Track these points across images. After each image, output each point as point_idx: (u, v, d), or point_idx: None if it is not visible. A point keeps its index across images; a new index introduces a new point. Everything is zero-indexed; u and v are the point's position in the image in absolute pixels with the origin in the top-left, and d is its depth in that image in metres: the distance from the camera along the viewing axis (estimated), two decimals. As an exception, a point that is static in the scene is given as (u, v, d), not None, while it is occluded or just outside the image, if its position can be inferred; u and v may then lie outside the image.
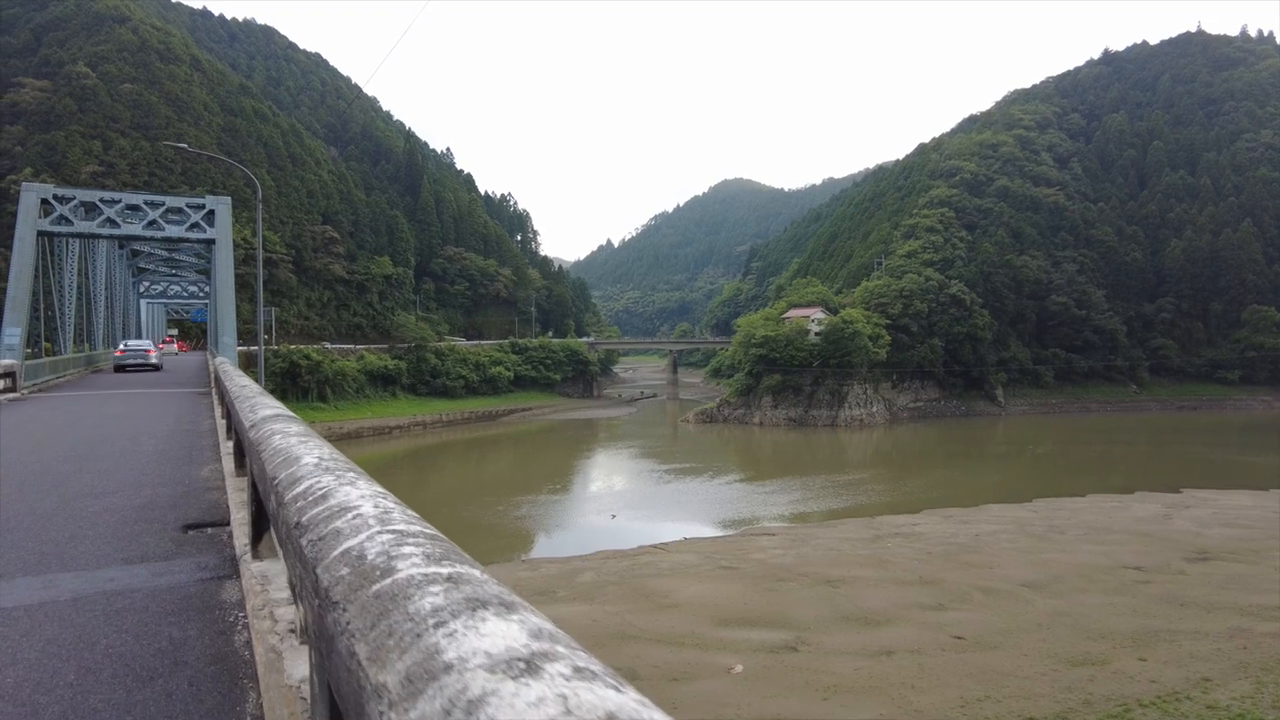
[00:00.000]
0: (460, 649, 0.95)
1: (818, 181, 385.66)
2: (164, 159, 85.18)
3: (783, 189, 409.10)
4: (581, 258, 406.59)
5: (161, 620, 3.68)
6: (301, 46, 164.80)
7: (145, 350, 36.34)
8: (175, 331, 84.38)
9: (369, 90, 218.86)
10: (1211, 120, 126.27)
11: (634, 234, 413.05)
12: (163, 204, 33.89)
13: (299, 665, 2.65)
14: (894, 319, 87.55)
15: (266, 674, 2.74)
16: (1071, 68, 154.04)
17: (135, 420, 14.31)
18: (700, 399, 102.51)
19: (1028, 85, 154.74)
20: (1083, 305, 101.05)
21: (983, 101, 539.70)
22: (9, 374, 21.90)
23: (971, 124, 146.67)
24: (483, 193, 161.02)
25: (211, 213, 34.03)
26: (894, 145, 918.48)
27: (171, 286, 68.59)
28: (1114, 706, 14.76)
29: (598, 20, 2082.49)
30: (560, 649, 0.95)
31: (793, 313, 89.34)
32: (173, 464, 8.93)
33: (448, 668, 0.92)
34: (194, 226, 33.85)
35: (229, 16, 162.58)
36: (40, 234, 31.03)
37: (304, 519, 1.95)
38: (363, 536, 1.59)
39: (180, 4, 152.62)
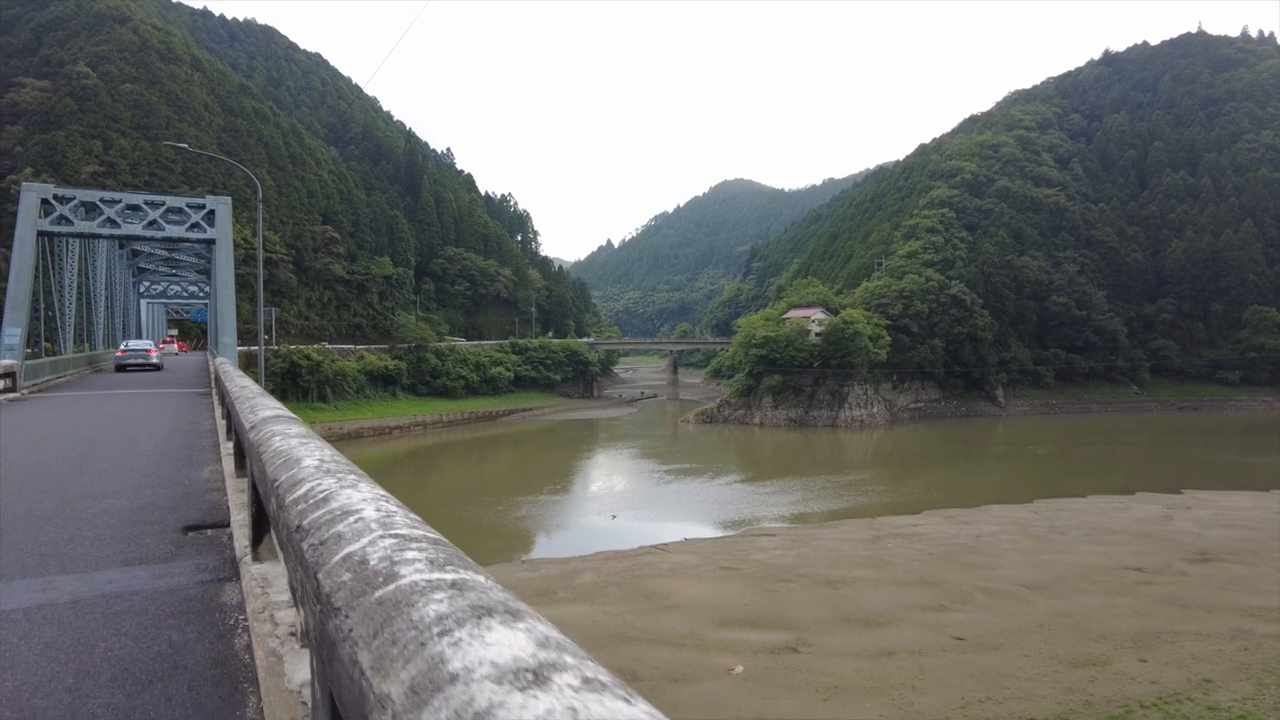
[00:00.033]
0: (466, 659, 0.93)
1: (818, 182, 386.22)
2: (164, 159, 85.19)
3: (783, 189, 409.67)
4: (582, 258, 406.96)
5: (161, 623, 3.65)
6: (302, 46, 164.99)
7: (146, 350, 36.69)
8: (175, 331, 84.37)
9: (369, 90, 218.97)
10: (1212, 121, 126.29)
11: (634, 234, 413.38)
12: (163, 204, 33.87)
13: (300, 669, 2.63)
14: (894, 319, 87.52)
15: (267, 678, 2.72)
16: (1072, 68, 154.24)
17: (135, 421, 14.28)
18: (700, 399, 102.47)
19: (1028, 86, 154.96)
20: (1083, 306, 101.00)
21: (983, 102, 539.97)
22: (9, 374, 21.88)
23: (972, 124, 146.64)
24: (483, 193, 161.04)
25: (212, 213, 34.02)
26: (894, 146, 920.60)
27: (172, 286, 68.61)
28: (1115, 708, 14.74)
29: (598, 21, 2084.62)
30: (568, 659, 0.92)
31: (793, 313, 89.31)
32: (173, 465, 8.90)
33: (453, 678, 0.90)
34: (194, 226, 33.84)
35: (229, 16, 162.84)
36: (40, 234, 31.03)
37: (305, 523, 1.93)
38: (365, 541, 1.56)
39: (181, 4, 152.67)
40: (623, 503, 42.61)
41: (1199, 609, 20.64)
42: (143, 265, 57.12)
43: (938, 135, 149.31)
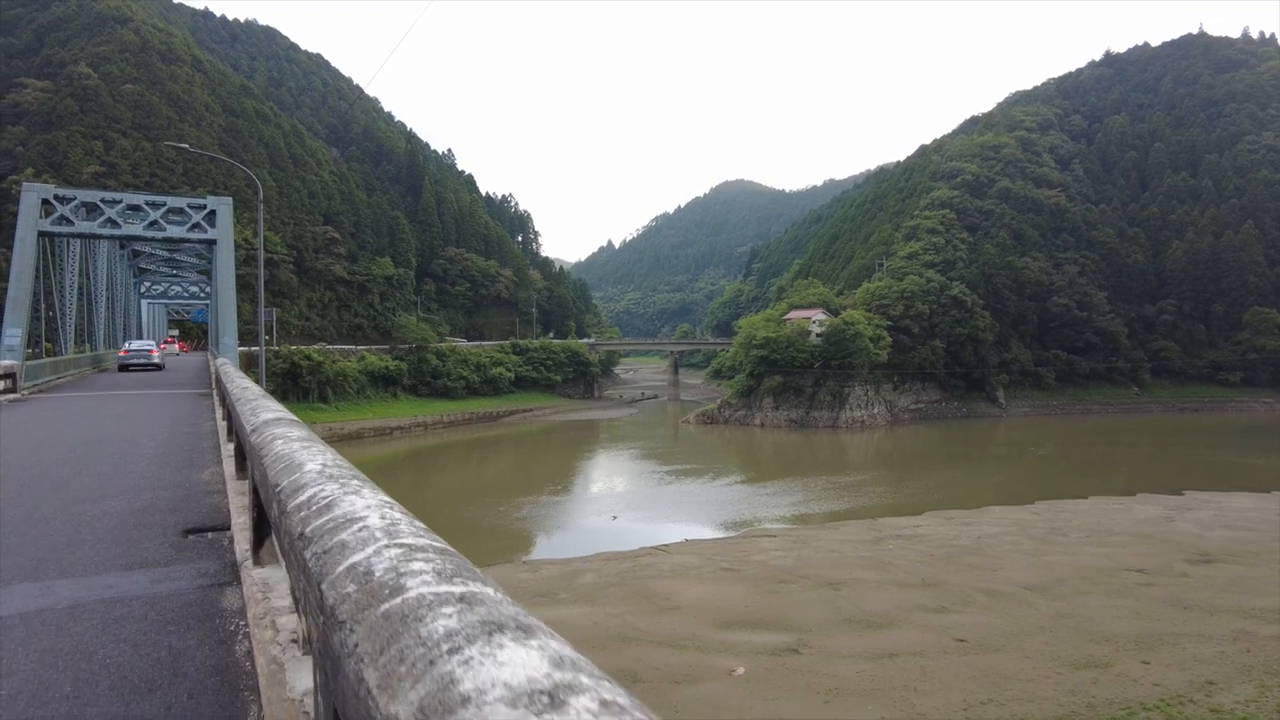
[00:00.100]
0: (478, 679, 0.89)
1: (818, 183, 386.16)
2: (165, 159, 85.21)
3: (783, 190, 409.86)
4: (582, 259, 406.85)
5: (161, 629, 3.60)
6: (303, 47, 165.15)
7: (148, 350, 37.09)
8: (176, 332, 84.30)
9: (370, 91, 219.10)
10: (1213, 122, 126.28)
11: (635, 235, 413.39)
12: (164, 204, 33.85)
13: (302, 677, 2.59)
14: (895, 320, 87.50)
15: (268, 686, 2.68)
16: (1073, 69, 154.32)
17: (135, 422, 14.25)
18: (701, 400, 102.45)
19: (1029, 87, 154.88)
20: (1084, 307, 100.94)
21: (984, 103, 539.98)
22: (9, 375, 21.85)
23: (973, 125, 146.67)
24: (484, 194, 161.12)
25: (213, 213, 34.01)
26: (895, 146, 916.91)
27: (173, 287, 68.60)
28: (1117, 710, 14.72)
29: (599, 21, 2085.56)
30: (584, 679, 0.88)
31: (794, 314, 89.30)
32: (173, 467, 8.87)
33: (465, 700, 0.86)
34: (195, 227, 33.83)
35: (231, 17, 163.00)
36: (41, 234, 31.02)
37: (308, 530, 1.89)
38: (370, 550, 1.52)
39: (182, 5, 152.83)
40: (623, 503, 42.58)
41: (1201, 611, 20.62)
42: (144, 266, 57.13)
43: (938, 136, 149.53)
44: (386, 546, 1.52)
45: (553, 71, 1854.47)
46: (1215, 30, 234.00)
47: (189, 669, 3.12)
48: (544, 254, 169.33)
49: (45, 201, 30.90)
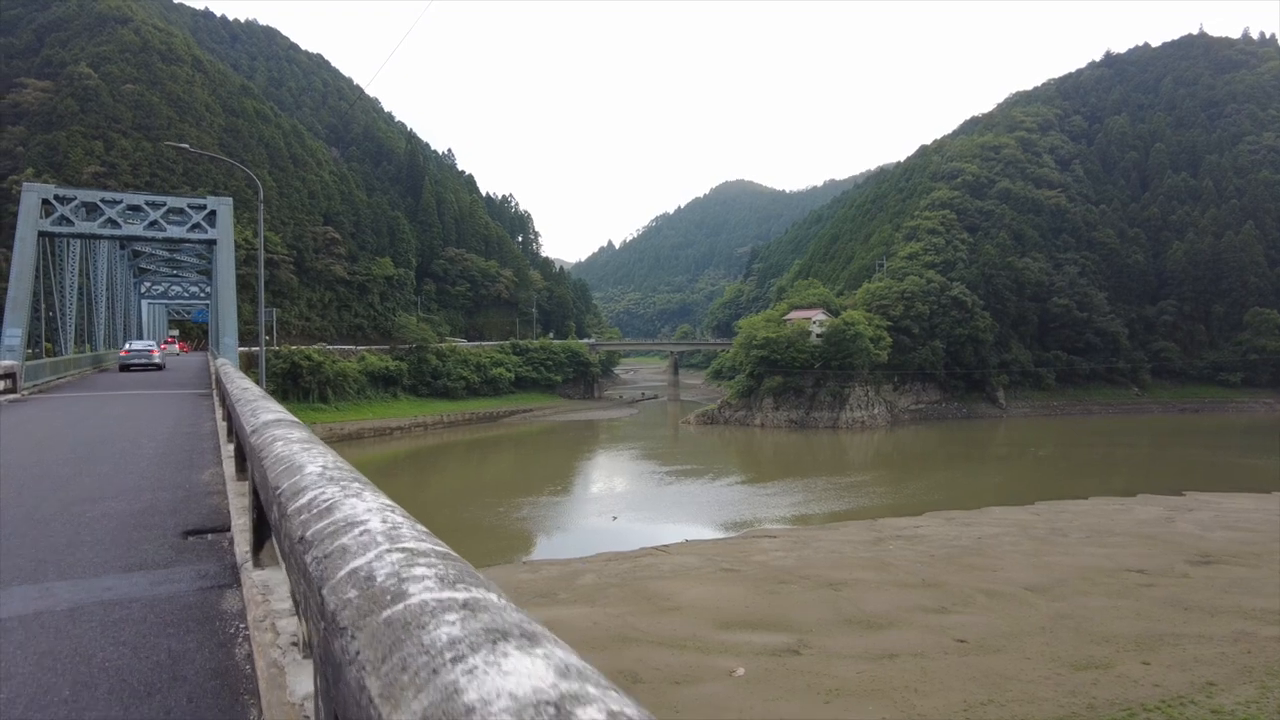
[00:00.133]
0: (482, 689, 0.87)
1: (819, 183, 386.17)
2: (166, 159, 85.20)
3: (784, 190, 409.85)
4: (583, 259, 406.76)
5: (160, 632, 3.59)
6: (303, 47, 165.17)
7: (150, 350, 37.40)
8: (176, 332, 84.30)
9: (371, 91, 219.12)
10: (1213, 122, 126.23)
11: (635, 235, 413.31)
12: (164, 204, 33.85)
13: (302, 681, 2.58)
14: (895, 321, 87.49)
15: (268, 690, 2.66)
16: (1073, 70, 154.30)
17: (136, 422, 14.24)
18: (701, 400, 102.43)
19: (1029, 87, 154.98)
20: (1084, 307, 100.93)
21: (984, 103, 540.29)
22: (9, 375, 21.83)
23: (973, 126, 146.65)
24: (484, 194, 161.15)
25: (213, 213, 34.01)
26: (895, 147, 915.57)
27: (173, 287, 68.60)
28: (1118, 711, 14.70)
29: (599, 22, 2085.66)
30: (591, 689, 0.86)
31: (794, 314, 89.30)
32: (173, 468, 8.85)
33: (469, 711, 0.84)
34: (195, 227, 33.83)
35: (231, 17, 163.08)
36: (41, 234, 31.01)
37: (308, 534, 1.88)
38: (371, 555, 1.51)
39: (182, 5, 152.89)
40: (623, 504, 42.56)
41: (1201, 611, 20.60)
42: (144, 266, 57.12)
43: (939, 137, 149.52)
44: (388, 551, 1.51)
45: (553, 72, 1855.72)
46: (1215, 31, 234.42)
47: (188, 672, 3.10)
48: (544, 254, 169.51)
49: (45, 201, 30.89)
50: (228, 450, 8.77)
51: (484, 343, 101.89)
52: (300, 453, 3.06)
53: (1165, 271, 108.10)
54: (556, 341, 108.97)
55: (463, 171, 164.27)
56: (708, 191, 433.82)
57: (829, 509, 41.28)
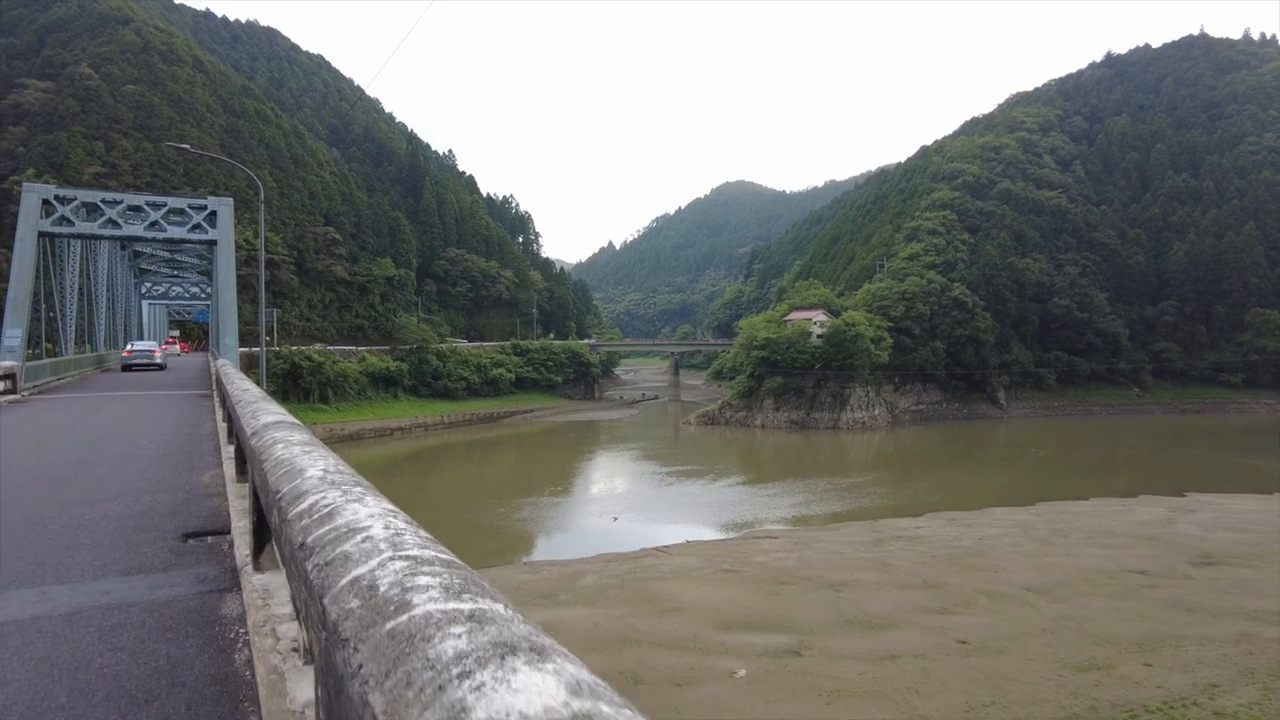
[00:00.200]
0: (491, 708, 0.83)
1: (819, 184, 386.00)
2: (166, 160, 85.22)
3: (784, 191, 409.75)
4: (583, 259, 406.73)
5: (159, 637, 3.55)
6: (304, 48, 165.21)
7: (151, 351, 37.85)
8: (177, 333, 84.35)
9: (371, 92, 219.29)
10: (1214, 123, 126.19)
11: (635, 236, 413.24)
12: (164, 205, 33.85)
13: (303, 688, 2.54)
14: (896, 321, 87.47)
15: (268, 697, 2.63)
16: (1074, 70, 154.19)
17: (136, 423, 14.21)
18: (702, 401, 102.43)
19: (1030, 88, 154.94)
20: (1085, 308, 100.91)
21: (985, 104, 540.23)
22: (9, 375, 21.82)
23: (973, 126, 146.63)
24: (485, 194, 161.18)
25: (213, 214, 34.00)
26: (896, 147, 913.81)
27: (173, 288, 68.63)
28: (1120, 712, 14.67)
29: (599, 22, 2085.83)
30: (604, 708, 0.82)
31: (795, 315, 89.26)
32: (173, 469, 8.82)
33: None
34: (196, 228, 33.83)
35: (232, 18, 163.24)
36: (41, 235, 31.02)
37: (309, 540, 1.85)
38: (374, 563, 1.47)
39: (183, 5, 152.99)
40: (624, 504, 42.53)
41: (1203, 613, 20.56)
42: (144, 266, 57.13)
43: (939, 137, 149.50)
44: (391, 559, 1.47)
45: (554, 73, 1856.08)
46: (1216, 31, 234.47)
47: (187, 678, 3.07)
48: (545, 255, 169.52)
49: (46, 202, 30.90)
50: (228, 452, 8.75)
51: (484, 343, 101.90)
52: (301, 456, 3.03)
53: (1166, 272, 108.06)
54: (557, 342, 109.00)
55: (463, 172, 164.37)
56: (708, 192, 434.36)
57: (829, 510, 41.25)
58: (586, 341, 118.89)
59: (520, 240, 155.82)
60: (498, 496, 44.17)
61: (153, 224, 33.10)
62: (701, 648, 18.08)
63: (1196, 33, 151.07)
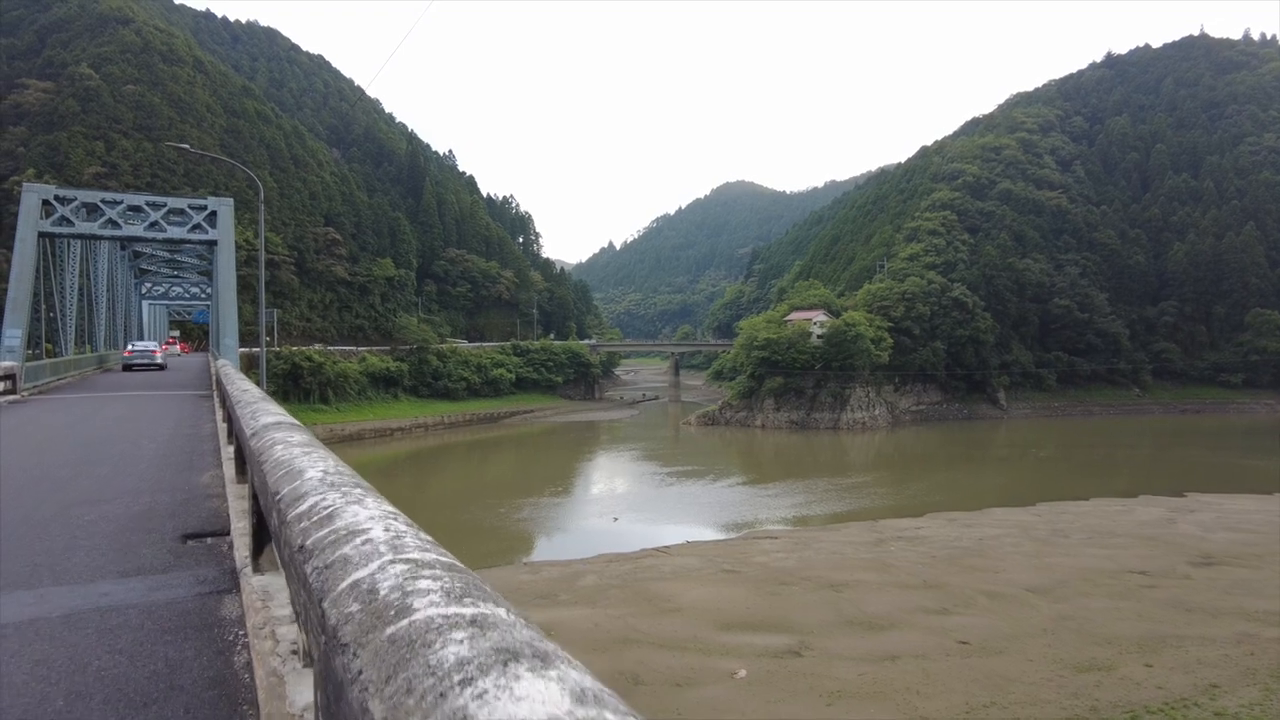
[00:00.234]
0: (494, 717, 0.81)
1: (819, 184, 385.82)
2: (166, 160, 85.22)
3: (784, 191, 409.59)
4: (583, 260, 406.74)
5: (157, 639, 3.53)
6: (304, 48, 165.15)
7: (151, 351, 38.32)
8: (177, 333, 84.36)
9: (371, 92, 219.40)
10: (1214, 123, 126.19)
11: (635, 236, 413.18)
12: (164, 205, 33.84)
13: (302, 691, 2.52)
14: (896, 322, 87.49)
15: (267, 700, 2.61)
16: (1074, 70, 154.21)
17: (136, 423, 14.20)
18: (702, 401, 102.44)
19: (1030, 88, 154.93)
20: (1085, 308, 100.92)
21: (985, 104, 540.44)
22: (9, 376, 21.80)
23: (974, 127, 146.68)
24: (485, 195, 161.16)
25: (213, 214, 33.98)
26: (896, 148, 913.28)
27: (174, 288, 68.64)
28: (1121, 713, 14.65)
29: (599, 23, 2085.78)
30: (610, 717, 0.80)
31: (795, 315, 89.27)
32: (173, 470, 8.80)
33: None
34: (196, 228, 33.81)
35: (232, 18, 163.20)
36: (41, 235, 31.01)
37: (308, 542, 1.83)
38: (374, 566, 1.46)
39: (183, 6, 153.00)
40: (624, 505, 42.52)
41: (1204, 613, 20.54)
42: (144, 266, 57.13)
43: (939, 137, 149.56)
44: (391, 562, 1.46)
45: (554, 73, 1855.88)
46: (1216, 31, 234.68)
47: (186, 681, 3.04)
48: (545, 255, 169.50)
49: (45, 202, 30.89)
50: (228, 452, 8.73)
51: (485, 344, 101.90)
52: (300, 457, 3.01)
53: (1166, 272, 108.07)
54: (557, 342, 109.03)
55: (463, 173, 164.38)
56: (708, 192, 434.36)
57: (830, 510, 41.24)
58: (587, 342, 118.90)
59: (520, 240, 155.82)
60: (498, 497, 44.15)
61: (153, 224, 33.09)
62: (702, 648, 18.06)
63: (1196, 33, 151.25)
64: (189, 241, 35.25)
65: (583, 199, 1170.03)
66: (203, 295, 66.93)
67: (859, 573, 24.91)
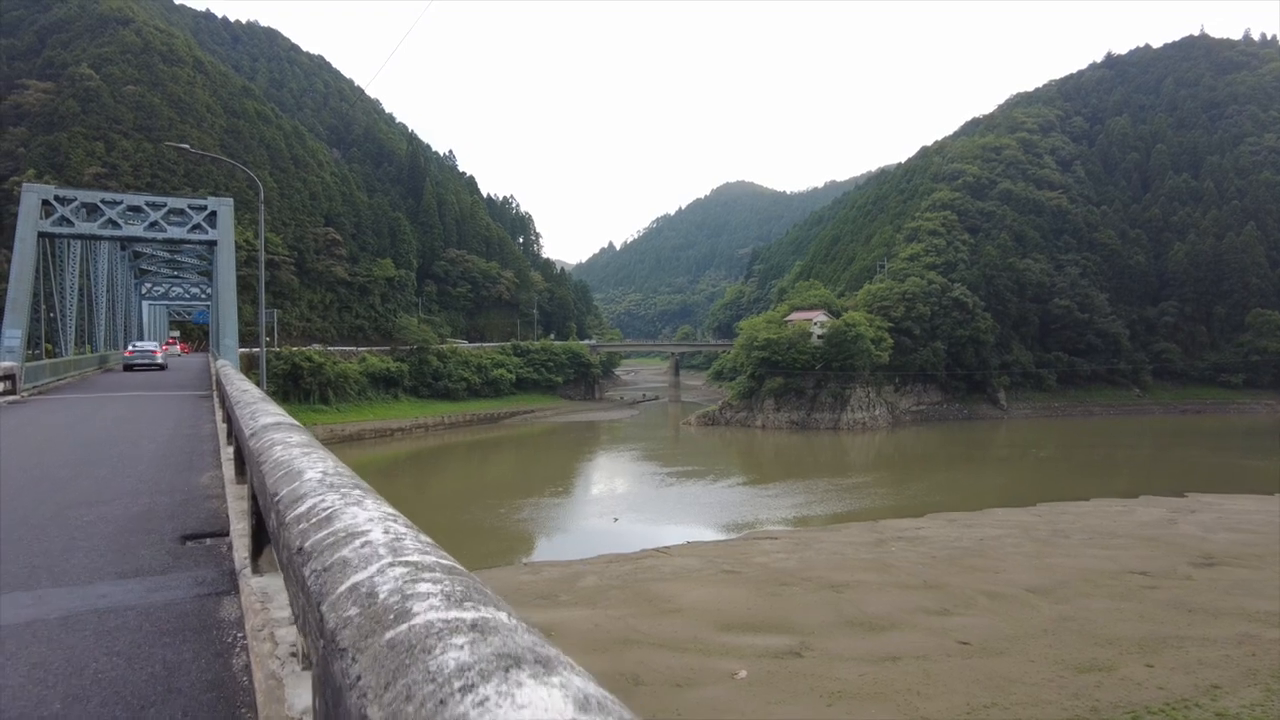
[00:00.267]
0: None
1: (819, 184, 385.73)
2: (167, 161, 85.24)
3: (784, 192, 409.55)
4: (583, 260, 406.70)
5: (155, 641, 3.50)
6: (304, 49, 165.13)
7: (152, 351, 38.69)
8: (177, 333, 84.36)
9: (372, 92, 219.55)
10: (1214, 124, 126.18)
11: (636, 236, 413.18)
12: (164, 205, 33.82)
13: (301, 694, 2.50)
14: (896, 322, 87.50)
15: (266, 703, 2.58)
16: (1074, 71, 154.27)
17: (136, 424, 14.18)
18: (702, 402, 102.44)
19: (1030, 88, 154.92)
20: (1085, 308, 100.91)
21: (985, 104, 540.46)
22: (8, 376, 21.77)
23: (974, 127, 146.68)
24: (485, 195, 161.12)
25: (213, 214, 33.96)
26: (896, 148, 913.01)
27: (174, 288, 68.66)
28: (1122, 714, 14.62)
29: (600, 23, 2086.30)
30: None
31: (795, 315, 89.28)
32: (172, 470, 8.78)
33: None
34: (196, 228, 33.79)
35: (232, 19, 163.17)
36: (41, 235, 31.00)
37: (307, 544, 1.81)
38: (373, 569, 1.44)
39: (183, 6, 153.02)
40: (624, 505, 42.50)
41: (1205, 614, 20.51)
42: (144, 267, 57.14)
43: (939, 138, 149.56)
44: (391, 565, 1.44)
45: (554, 73, 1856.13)
46: (1216, 32, 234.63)
47: (184, 684, 3.02)
48: (545, 255, 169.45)
49: (45, 202, 30.87)
50: (227, 453, 8.72)
51: (485, 344, 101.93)
52: (300, 457, 2.99)
53: (1166, 273, 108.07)
54: (557, 343, 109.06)
55: (464, 173, 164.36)
56: (708, 193, 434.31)
57: (830, 510, 41.22)
58: (587, 342, 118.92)
59: (521, 241, 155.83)
60: (498, 497, 44.14)
61: (152, 224, 33.07)
62: (702, 649, 18.04)
63: (1197, 33, 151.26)
64: (189, 242, 35.24)
65: (583, 199, 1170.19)
66: (203, 295, 66.93)
67: (859, 573, 24.89)
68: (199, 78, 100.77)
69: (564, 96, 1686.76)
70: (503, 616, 1.14)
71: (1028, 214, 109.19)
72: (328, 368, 69.81)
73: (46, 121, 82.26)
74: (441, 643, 1.02)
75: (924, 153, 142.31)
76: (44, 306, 35.63)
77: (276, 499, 2.48)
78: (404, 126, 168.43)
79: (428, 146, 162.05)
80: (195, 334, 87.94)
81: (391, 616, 1.18)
